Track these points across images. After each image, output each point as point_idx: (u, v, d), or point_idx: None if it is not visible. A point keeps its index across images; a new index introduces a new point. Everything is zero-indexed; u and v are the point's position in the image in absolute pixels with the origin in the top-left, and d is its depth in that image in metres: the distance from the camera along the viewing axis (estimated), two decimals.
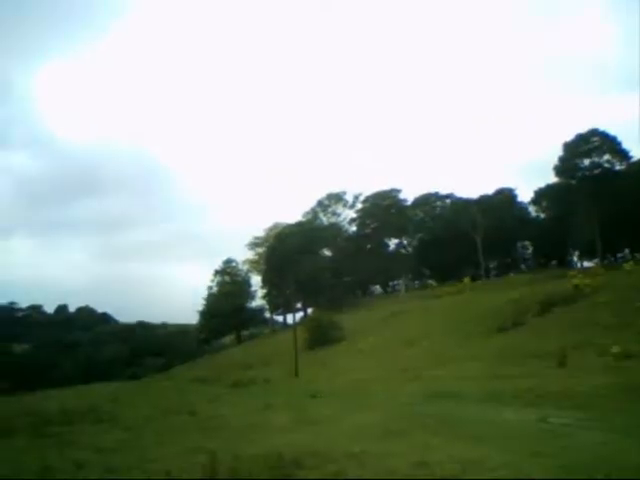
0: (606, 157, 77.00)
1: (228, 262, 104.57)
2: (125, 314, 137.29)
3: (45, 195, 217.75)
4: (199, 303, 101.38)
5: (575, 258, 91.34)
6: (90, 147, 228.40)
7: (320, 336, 52.23)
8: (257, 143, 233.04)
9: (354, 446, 10.36)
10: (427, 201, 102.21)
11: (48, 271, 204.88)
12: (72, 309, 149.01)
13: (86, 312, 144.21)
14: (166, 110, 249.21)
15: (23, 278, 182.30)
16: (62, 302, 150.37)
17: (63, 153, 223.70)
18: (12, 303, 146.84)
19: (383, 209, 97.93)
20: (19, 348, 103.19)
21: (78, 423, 15.49)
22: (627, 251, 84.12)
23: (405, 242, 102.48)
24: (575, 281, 39.28)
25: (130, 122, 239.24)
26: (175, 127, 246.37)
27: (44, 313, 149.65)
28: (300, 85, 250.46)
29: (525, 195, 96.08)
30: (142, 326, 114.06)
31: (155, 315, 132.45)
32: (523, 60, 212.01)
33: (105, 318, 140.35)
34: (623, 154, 76.79)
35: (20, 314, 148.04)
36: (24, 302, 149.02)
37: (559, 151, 78.67)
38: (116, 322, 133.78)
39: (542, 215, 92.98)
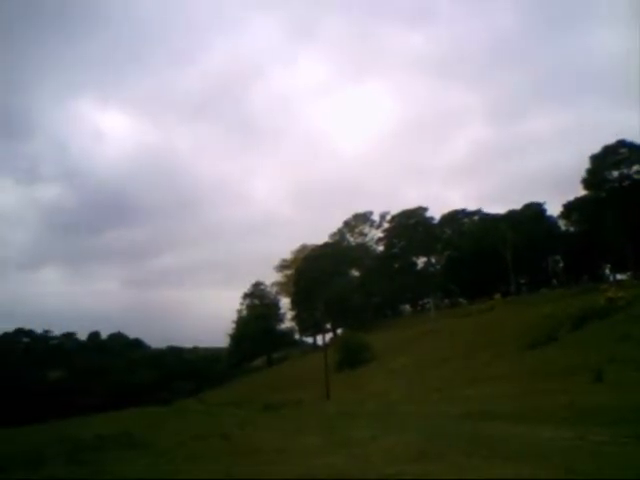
0: (635, 168, 75.66)
1: (257, 285, 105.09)
2: (157, 339, 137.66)
3: (75, 225, 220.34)
4: (229, 326, 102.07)
5: (607, 271, 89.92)
6: (119, 177, 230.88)
7: (350, 357, 52.02)
8: (283, 166, 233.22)
9: (389, 468, 10.18)
10: (454, 218, 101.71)
11: (81, 299, 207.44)
12: (104, 336, 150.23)
13: (118, 338, 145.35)
14: (194, 137, 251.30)
15: (56, 307, 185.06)
16: (95, 329, 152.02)
17: (92, 183, 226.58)
18: (46, 331, 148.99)
19: (410, 228, 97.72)
20: (53, 375, 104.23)
21: (112, 449, 15.55)
22: None
23: (433, 260, 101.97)
24: (608, 294, 38.62)
25: (158, 150, 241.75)
26: (202, 153, 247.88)
27: (77, 340, 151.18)
28: (329, 105, 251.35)
29: (554, 209, 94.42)
30: (173, 351, 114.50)
31: (186, 339, 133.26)
32: (548, 68, 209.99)
33: (137, 344, 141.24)
34: None
35: (54, 342, 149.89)
36: (58, 330, 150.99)
37: (587, 163, 77.76)
38: (148, 347, 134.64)
39: (572, 229, 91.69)
